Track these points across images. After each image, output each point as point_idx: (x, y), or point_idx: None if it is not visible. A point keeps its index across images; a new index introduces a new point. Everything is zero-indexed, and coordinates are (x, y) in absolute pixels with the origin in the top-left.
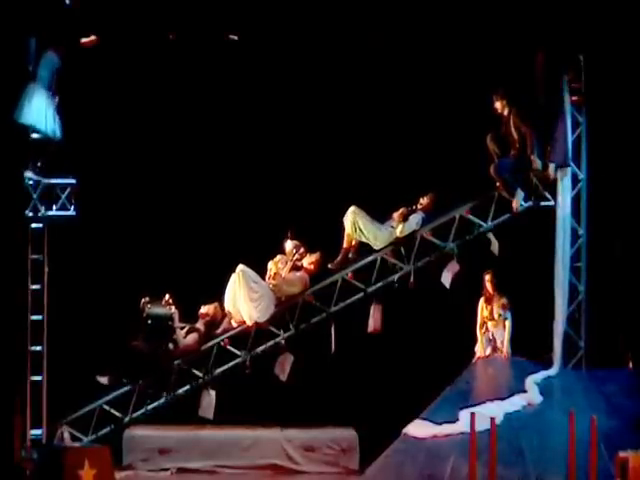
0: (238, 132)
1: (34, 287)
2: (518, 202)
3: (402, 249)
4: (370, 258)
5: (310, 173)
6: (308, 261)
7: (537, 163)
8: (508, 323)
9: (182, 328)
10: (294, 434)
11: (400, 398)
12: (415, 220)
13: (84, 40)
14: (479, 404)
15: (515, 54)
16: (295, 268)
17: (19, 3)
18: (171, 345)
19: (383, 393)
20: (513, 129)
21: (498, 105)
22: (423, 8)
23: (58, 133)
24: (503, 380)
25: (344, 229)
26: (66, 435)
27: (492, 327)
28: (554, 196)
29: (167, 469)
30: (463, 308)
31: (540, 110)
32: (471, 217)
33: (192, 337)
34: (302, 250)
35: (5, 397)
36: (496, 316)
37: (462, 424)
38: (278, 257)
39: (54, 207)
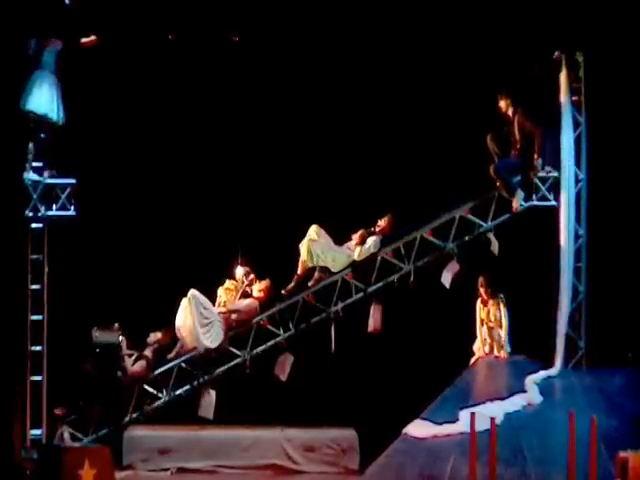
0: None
1: (34, 287)
2: (518, 202)
3: (402, 249)
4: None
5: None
6: (257, 289)
7: (539, 162)
8: (506, 323)
9: (130, 356)
10: (294, 434)
11: (400, 398)
12: (372, 243)
13: (84, 40)
14: (479, 404)
15: (515, 54)
16: (245, 295)
17: (19, 3)
18: (119, 373)
19: (383, 393)
20: (517, 129)
21: (502, 104)
22: (420, 7)
23: (64, 119)
24: (503, 380)
25: (299, 254)
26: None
27: (490, 327)
28: (554, 196)
29: (167, 469)
30: (463, 308)
31: (541, 109)
32: (471, 217)
33: (140, 365)
34: (252, 277)
35: (5, 397)
36: (493, 317)
37: (462, 424)
38: (227, 283)
39: (54, 207)
